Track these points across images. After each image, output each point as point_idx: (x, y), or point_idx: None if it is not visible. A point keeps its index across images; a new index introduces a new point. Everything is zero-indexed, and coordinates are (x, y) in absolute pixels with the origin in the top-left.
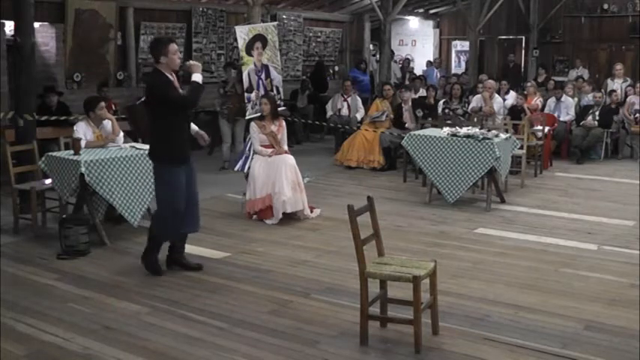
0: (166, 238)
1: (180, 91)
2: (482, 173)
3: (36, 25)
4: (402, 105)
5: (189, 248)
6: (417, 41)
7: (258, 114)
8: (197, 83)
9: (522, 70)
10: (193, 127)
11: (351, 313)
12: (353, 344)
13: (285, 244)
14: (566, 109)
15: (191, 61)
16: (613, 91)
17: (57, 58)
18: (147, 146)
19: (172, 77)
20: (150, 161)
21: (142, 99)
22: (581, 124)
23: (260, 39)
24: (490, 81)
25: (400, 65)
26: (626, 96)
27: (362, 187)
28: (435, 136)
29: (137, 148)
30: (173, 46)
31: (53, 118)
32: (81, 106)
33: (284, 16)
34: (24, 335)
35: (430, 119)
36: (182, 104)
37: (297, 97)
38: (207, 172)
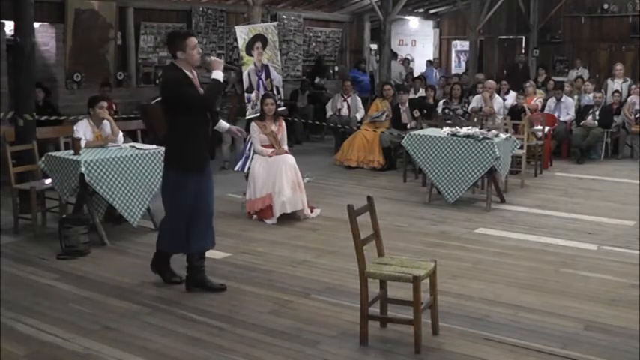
0: (169, 250)
1: (200, 90)
2: (482, 173)
3: (36, 25)
4: (400, 106)
5: None
6: (417, 41)
7: (258, 114)
8: (217, 81)
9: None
10: (224, 124)
11: (351, 313)
12: (353, 344)
13: (285, 244)
14: (566, 109)
15: (212, 57)
16: (617, 91)
17: (57, 58)
18: (147, 147)
19: (192, 74)
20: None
21: (158, 98)
22: (581, 124)
23: (260, 39)
24: (490, 81)
25: (402, 64)
26: (628, 95)
27: (362, 187)
28: (435, 136)
29: (137, 148)
30: (192, 40)
31: (53, 118)
32: (80, 107)
33: (284, 16)
34: (24, 335)
35: (429, 119)
36: (198, 104)
37: (297, 97)
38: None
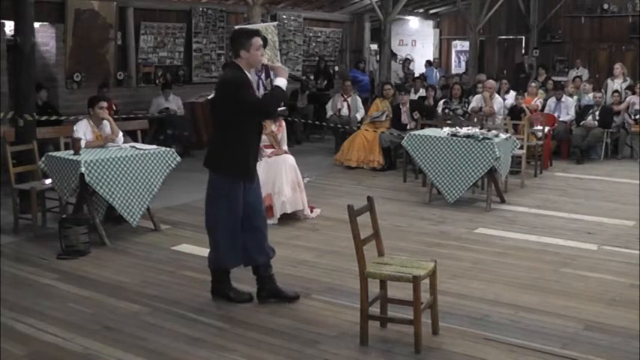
0: (227, 264)
1: (257, 93)
2: (482, 173)
3: (36, 25)
4: (400, 107)
5: (190, 248)
6: (417, 41)
7: None
8: (279, 88)
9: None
10: None
11: (351, 313)
12: (353, 344)
13: (285, 244)
14: (566, 109)
15: (278, 63)
16: (617, 91)
17: (57, 58)
18: (147, 146)
19: (250, 76)
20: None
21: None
22: (581, 124)
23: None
24: (490, 81)
25: (401, 65)
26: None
27: (362, 187)
28: (435, 136)
29: (137, 148)
30: (257, 40)
31: (53, 118)
32: (80, 106)
33: (284, 16)
34: (24, 335)
35: (429, 120)
36: (254, 109)
37: (297, 97)
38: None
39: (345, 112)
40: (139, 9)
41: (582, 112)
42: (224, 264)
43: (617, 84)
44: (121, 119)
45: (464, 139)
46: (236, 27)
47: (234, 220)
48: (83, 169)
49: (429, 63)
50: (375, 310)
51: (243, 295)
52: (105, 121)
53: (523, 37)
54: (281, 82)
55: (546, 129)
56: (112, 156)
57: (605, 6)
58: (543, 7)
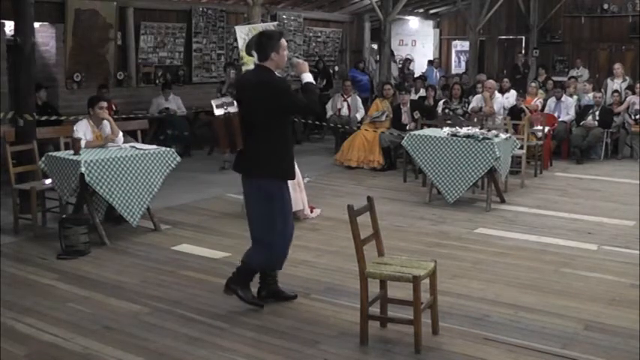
0: (279, 266)
1: None
2: (482, 173)
3: (36, 25)
4: (401, 106)
5: (190, 248)
6: (417, 41)
7: None
8: (312, 84)
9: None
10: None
11: (351, 313)
12: (353, 344)
13: None
14: (566, 109)
15: (297, 59)
16: (616, 91)
17: (57, 58)
18: (147, 146)
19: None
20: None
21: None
22: (581, 124)
23: None
24: (490, 81)
25: (400, 66)
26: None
27: (362, 187)
28: (435, 136)
29: (137, 148)
30: (284, 41)
31: (53, 118)
32: (80, 106)
33: (284, 16)
34: (24, 335)
35: (429, 120)
36: (304, 109)
37: None
38: (207, 172)
39: (345, 112)
40: (139, 9)
41: (582, 112)
42: (273, 266)
43: (617, 84)
44: (121, 119)
45: (464, 139)
46: (236, 26)
47: (288, 221)
48: (83, 169)
49: (430, 62)
50: (375, 310)
51: (252, 300)
52: (105, 121)
53: (523, 37)
54: (309, 77)
55: (546, 129)
56: (112, 156)
57: (605, 6)
58: (543, 7)
